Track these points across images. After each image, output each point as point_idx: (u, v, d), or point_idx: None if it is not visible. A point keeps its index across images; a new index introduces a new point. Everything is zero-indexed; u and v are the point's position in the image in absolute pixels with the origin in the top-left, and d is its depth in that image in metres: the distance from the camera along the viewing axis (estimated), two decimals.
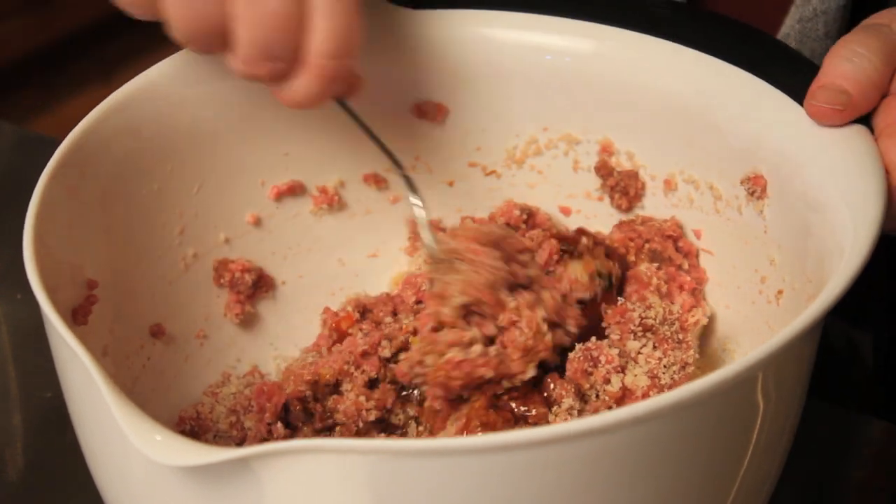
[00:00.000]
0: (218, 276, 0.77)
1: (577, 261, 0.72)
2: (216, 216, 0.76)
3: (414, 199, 0.72)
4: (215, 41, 0.62)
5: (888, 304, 0.98)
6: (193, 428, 0.70)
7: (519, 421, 0.66)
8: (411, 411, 0.71)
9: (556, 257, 0.73)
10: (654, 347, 0.68)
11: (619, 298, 0.73)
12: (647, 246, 0.75)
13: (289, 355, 0.79)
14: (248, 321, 0.79)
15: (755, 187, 0.68)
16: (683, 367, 0.67)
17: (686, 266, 0.75)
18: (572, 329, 0.69)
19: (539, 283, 0.69)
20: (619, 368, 0.67)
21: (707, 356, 0.75)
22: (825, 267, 0.59)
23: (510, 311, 0.67)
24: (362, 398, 0.70)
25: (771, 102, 0.66)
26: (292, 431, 0.69)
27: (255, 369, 0.78)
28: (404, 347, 0.72)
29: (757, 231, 0.70)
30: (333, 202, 0.80)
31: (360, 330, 0.74)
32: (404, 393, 0.71)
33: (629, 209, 0.78)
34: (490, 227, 0.71)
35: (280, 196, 0.78)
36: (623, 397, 0.66)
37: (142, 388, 0.71)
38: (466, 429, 0.65)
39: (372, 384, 0.71)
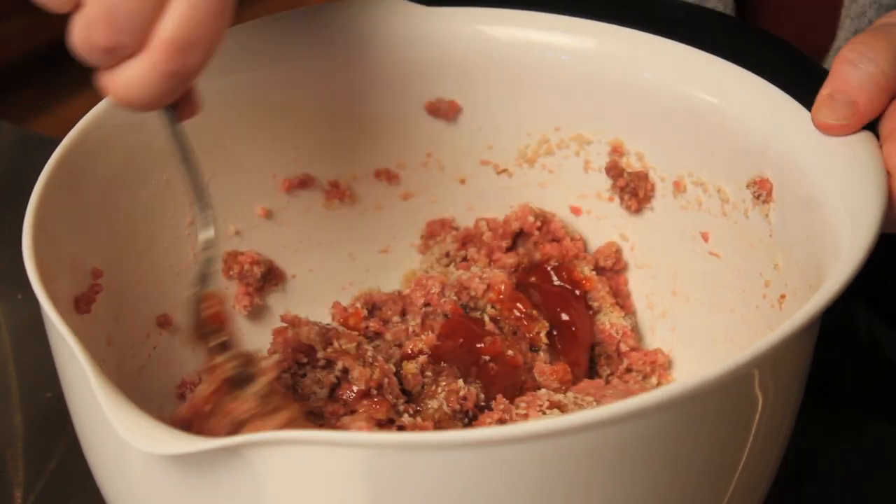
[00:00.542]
0: (227, 268, 0.77)
1: None
2: (226, 208, 0.76)
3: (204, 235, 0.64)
4: None
5: None
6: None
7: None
8: None
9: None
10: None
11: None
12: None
13: None
14: (256, 313, 0.79)
15: (761, 191, 0.68)
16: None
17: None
18: None
19: None
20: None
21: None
22: (824, 270, 0.59)
23: None
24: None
25: (778, 105, 0.66)
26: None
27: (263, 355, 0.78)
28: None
29: (762, 235, 0.69)
30: (345, 197, 0.81)
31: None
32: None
33: (638, 210, 0.78)
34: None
35: (291, 189, 0.79)
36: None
37: (147, 377, 0.71)
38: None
39: None
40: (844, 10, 0.80)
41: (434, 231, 0.82)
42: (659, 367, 0.77)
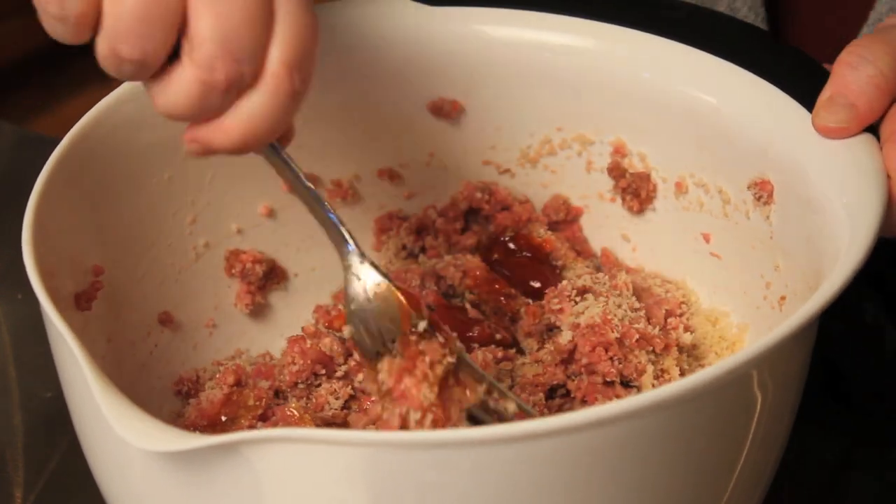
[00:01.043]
0: (229, 267, 0.77)
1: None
2: (229, 206, 0.76)
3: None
4: (167, 36, 0.51)
5: None
6: (189, 391, 0.72)
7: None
8: None
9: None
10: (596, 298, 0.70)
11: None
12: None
13: None
14: (258, 312, 0.79)
15: (762, 192, 0.68)
16: (635, 311, 0.69)
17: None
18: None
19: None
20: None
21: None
22: (823, 272, 0.59)
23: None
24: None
25: (779, 107, 0.66)
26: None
27: (267, 353, 0.78)
28: None
29: (763, 236, 0.69)
30: (348, 196, 0.81)
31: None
32: None
33: (640, 211, 0.78)
34: None
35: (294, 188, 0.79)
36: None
37: (148, 375, 0.71)
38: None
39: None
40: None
41: (384, 226, 0.82)
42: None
